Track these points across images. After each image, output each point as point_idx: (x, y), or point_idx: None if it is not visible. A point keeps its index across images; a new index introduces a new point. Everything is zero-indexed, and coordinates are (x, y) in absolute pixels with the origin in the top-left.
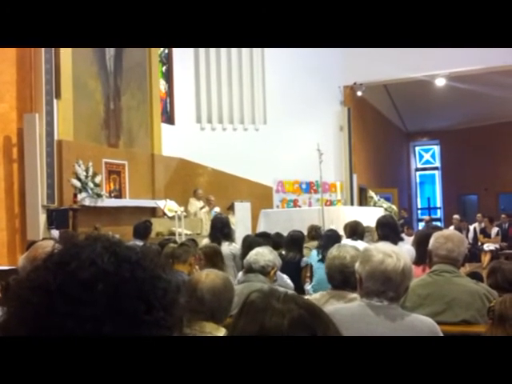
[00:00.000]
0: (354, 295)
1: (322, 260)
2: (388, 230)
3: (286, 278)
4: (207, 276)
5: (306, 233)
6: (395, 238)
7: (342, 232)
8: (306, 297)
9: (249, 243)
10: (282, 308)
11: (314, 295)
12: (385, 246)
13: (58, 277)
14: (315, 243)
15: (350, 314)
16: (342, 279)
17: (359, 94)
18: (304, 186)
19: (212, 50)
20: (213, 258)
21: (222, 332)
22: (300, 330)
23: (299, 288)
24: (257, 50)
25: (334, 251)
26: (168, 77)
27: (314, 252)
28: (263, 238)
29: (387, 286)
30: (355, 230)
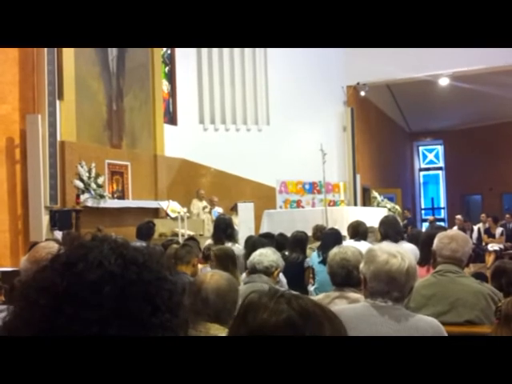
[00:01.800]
0: (358, 296)
1: (322, 262)
2: (387, 228)
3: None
4: (212, 277)
5: (310, 233)
6: (396, 237)
7: (345, 233)
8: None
9: (252, 243)
10: (272, 308)
11: (317, 296)
12: (389, 246)
13: (65, 278)
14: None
15: (354, 314)
16: (345, 274)
17: (362, 94)
18: (307, 187)
19: (215, 51)
20: (223, 261)
21: (226, 333)
22: (286, 332)
23: (303, 289)
24: (259, 51)
25: (334, 250)
26: (170, 77)
27: (315, 253)
28: (267, 239)
29: (392, 287)
30: (357, 231)
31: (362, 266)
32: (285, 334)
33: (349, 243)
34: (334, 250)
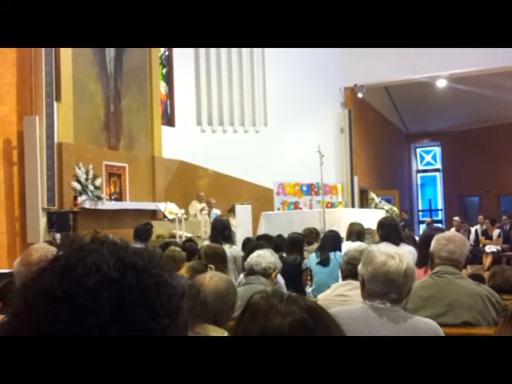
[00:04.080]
0: None
1: (320, 263)
2: (389, 231)
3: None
4: (211, 279)
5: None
6: (396, 240)
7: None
8: (325, 292)
9: (251, 247)
10: (285, 310)
11: (327, 291)
12: (387, 248)
13: (63, 282)
14: (315, 246)
15: (352, 316)
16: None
17: (360, 95)
18: (305, 188)
19: (212, 52)
20: (213, 260)
21: (224, 335)
22: (301, 333)
23: (300, 291)
24: (257, 52)
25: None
26: (168, 79)
27: (313, 255)
28: (265, 241)
29: (390, 288)
30: (350, 231)
31: (360, 267)
32: (299, 334)
33: (346, 245)
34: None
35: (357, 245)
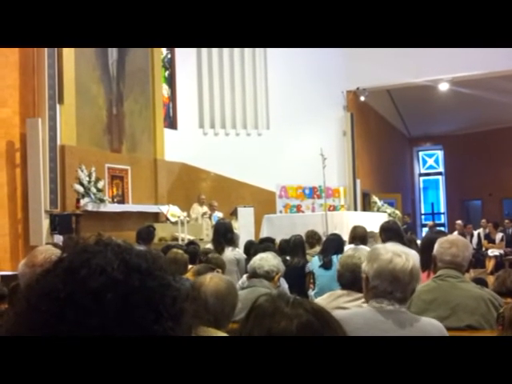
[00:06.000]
0: (361, 294)
1: (323, 266)
2: (391, 235)
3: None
4: (211, 279)
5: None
6: (399, 243)
7: (346, 238)
8: (318, 299)
9: (254, 251)
10: (291, 313)
11: (323, 296)
12: (393, 246)
13: (67, 284)
14: (317, 249)
15: (360, 319)
16: (352, 279)
17: (362, 99)
18: (307, 192)
19: (214, 55)
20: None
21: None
22: (307, 336)
23: (303, 294)
24: (259, 55)
25: (350, 251)
26: (171, 82)
27: (315, 258)
28: (267, 244)
29: (394, 286)
30: (354, 234)
31: (364, 265)
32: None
33: (348, 248)
34: (349, 252)
35: (353, 249)
